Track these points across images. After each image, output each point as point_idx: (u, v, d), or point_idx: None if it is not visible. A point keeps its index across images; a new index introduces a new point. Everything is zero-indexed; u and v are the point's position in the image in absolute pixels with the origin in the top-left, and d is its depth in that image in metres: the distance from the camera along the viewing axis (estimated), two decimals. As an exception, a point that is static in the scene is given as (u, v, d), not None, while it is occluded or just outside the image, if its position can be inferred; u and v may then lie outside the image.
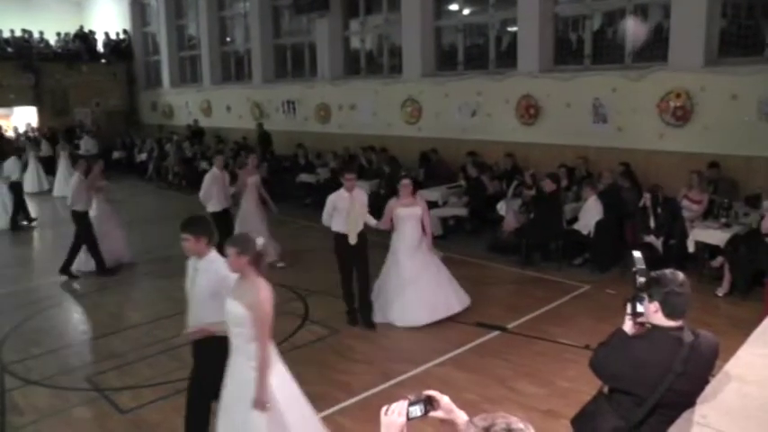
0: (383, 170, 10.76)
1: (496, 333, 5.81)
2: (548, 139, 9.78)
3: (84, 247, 8.17)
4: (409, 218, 6.02)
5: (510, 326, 5.95)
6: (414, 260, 6.00)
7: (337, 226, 5.98)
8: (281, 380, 3.42)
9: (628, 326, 2.62)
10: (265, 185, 8.57)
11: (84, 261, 8.24)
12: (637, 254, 2.59)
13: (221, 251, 7.74)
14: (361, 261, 6.03)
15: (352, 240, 5.92)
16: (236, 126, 15.94)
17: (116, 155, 17.42)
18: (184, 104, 18.25)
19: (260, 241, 3.41)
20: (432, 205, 9.56)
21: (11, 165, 11.45)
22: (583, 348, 5.15)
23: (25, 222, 11.61)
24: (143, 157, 16.79)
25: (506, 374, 4.98)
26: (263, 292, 3.30)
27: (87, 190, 8.06)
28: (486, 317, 6.08)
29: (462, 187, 9.72)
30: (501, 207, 8.78)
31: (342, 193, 5.96)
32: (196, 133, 16.58)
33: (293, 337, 5.91)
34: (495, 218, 8.97)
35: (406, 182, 6.09)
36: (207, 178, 7.91)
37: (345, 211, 5.88)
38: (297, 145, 12.83)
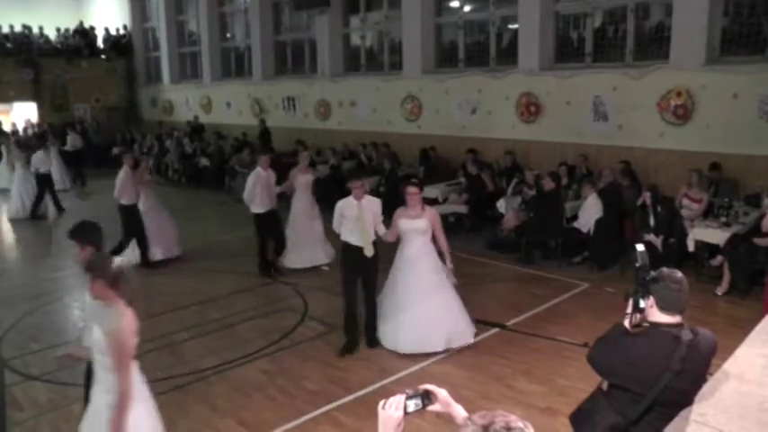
0: (383, 167, 10.75)
1: (495, 330, 5.81)
2: (548, 136, 9.77)
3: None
4: (412, 232, 5.30)
5: (509, 323, 5.95)
6: (414, 280, 5.27)
7: (345, 235, 5.46)
8: (144, 418, 3.09)
9: (628, 322, 2.61)
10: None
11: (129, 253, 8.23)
12: (640, 247, 2.55)
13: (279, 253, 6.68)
14: (370, 277, 5.45)
15: (369, 253, 5.36)
16: (237, 122, 15.91)
17: (116, 151, 17.37)
18: (184, 100, 18.22)
19: (118, 261, 3.16)
20: (432, 202, 9.57)
21: (39, 157, 11.83)
22: (581, 346, 5.14)
23: (44, 213, 11.91)
24: (143, 153, 16.77)
25: (505, 372, 4.99)
26: (123, 318, 3.02)
27: (135, 184, 8.12)
28: (485, 314, 6.07)
29: (462, 184, 9.70)
30: (501, 205, 8.78)
31: (350, 200, 5.44)
32: (196, 129, 16.56)
33: (292, 334, 5.92)
34: (494, 215, 8.97)
35: (411, 189, 5.29)
36: (250, 178, 7.45)
37: (353, 220, 5.39)
38: (296, 141, 12.83)
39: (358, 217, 5.36)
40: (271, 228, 7.63)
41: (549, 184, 7.77)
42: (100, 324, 3.06)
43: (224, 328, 6.15)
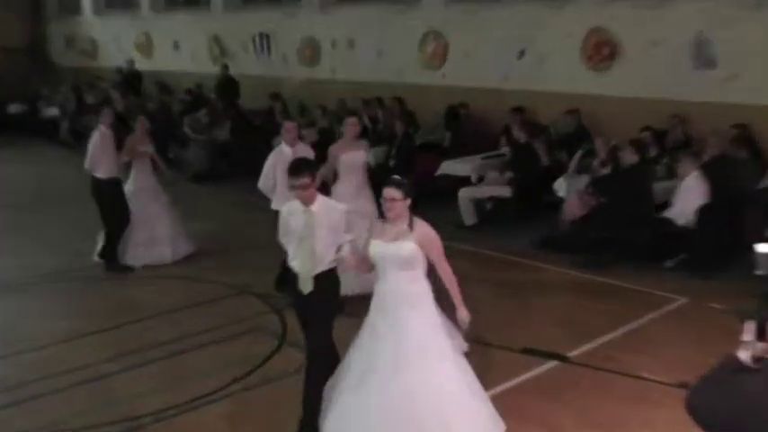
0: (394, 131, 10.72)
1: (552, 364, 5.81)
2: (627, 90, 9.78)
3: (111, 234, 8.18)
4: (387, 262, 4.47)
5: (571, 354, 5.95)
6: (387, 339, 4.41)
7: (291, 257, 4.88)
8: None
9: (745, 354, 2.58)
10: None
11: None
12: (763, 248, 2.54)
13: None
14: (312, 326, 4.80)
15: (305, 287, 4.72)
16: (188, 69, 16.04)
17: (13, 109, 17.48)
18: (113, 39, 18.33)
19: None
20: (463, 182, 9.56)
21: None
22: (676, 387, 5.13)
23: None
24: (53, 111, 16.85)
25: (565, 422, 4.99)
26: None
27: (122, 154, 8.13)
28: (536, 341, 6.08)
29: (505, 157, 9.74)
30: (560, 186, 8.82)
31: (296, 205, 4.81)
32: (130, 79, 16.63)
33: (265, 366, 5.92)
34: (551, 201, 9.01)
35: (389, 192, 4.43)
36: (269, 159, 7.25)
37: (298, 236, 4.78)
38: (271, 96, 12.83)
39: (304, 232, 4.73)
40: None
41: (629, 157, 7.78)
42: None
43: (171, 355, 6.16)
